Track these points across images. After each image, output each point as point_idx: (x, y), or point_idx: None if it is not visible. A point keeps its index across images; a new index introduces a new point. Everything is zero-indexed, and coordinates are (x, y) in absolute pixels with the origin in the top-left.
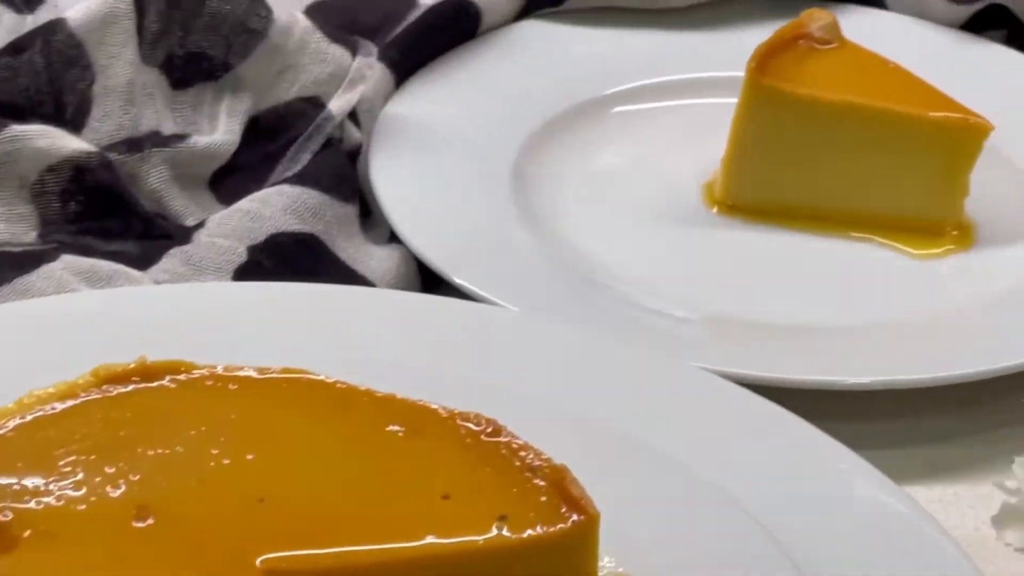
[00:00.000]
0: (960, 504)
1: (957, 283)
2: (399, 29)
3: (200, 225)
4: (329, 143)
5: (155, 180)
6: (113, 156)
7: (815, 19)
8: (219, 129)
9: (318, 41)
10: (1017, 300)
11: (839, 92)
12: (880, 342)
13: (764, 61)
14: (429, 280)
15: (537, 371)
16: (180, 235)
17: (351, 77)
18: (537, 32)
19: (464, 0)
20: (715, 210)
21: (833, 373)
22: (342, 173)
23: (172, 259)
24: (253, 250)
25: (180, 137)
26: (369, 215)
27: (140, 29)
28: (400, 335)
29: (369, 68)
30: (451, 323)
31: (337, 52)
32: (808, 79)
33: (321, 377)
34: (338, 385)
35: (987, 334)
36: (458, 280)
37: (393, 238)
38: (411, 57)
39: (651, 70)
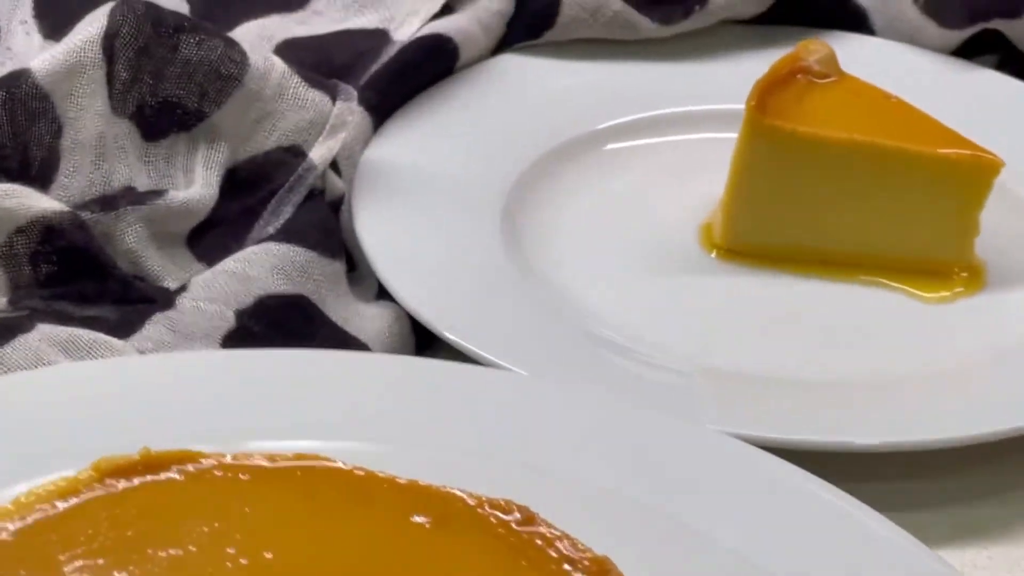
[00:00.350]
0: (996, 568)
1: (971, 329)
2: (375, 68)
3: (183, 288)
4: (311, 194)
5: (131, 240)
6: (86, 215)
7: (812, 51)
8: (196, 182)
9: (296, 86)
10: None
11: (843, 130)
12: (894, 397)
13: (763, 98)
14: (424, 335)
15: (554, 442)
16: (161, 299)
17: (332, 123)
18: (517, 67)
19: (441, 36)
20: (714, 254)
21: (843, 433)
22: (327, 227)
23: (155, 326)
24: (241, 315)
25: (156, 193)
26: (355, 268)
27: (110, 78)
28: (406, 406)
29: (350, 113)
30: (458, 390)
31: (316, 97)
32: (810, 116)
33: (338, 464)
34: (356, 472)
35: (1006, 387)
36: (455, 339)
37: (382, 292)
38: (389, 98)
39: (641, 104)
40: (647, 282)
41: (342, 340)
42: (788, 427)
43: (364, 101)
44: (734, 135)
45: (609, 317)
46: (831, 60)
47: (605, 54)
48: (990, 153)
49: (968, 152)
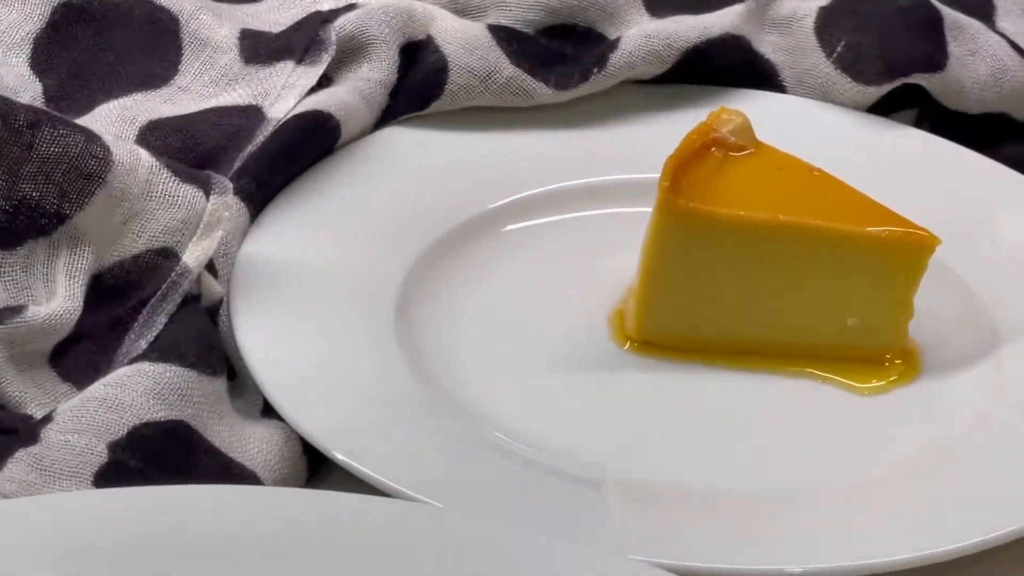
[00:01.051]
0: None
1: (909, 423)
2: (250, 151)
3: (47, 418)
4: (186, 301)
5: None
6: None
7: (725, 121)
8: (58, 294)
9: (166, 182)
10: (977, 447)
11: (765, 209)
12: (830, 511)
13: (677, 177)
14: (317, 456)
15: None
16: (24, 431)
17: (206, 221)
18: (403, 141)
19: (321, 113)
20: (627, 347)
21: (776, 559)
22: (206, 340)
23: (18, 464)
24: (115, 447)
25: (14, 310)
26: (234, 377)
27: None
28: (307, 551)
29: (226, 209)
30: (352, 526)
31: (188, 193)
32: (728, 195)
33: None
34: None
35: (954, 494)
36: (351, 462)
37: (267, 407)
38: (267, 186)
39: (540, 178)
40: (555, 381)
41: (227, 469)
42: (714, 553)
43: (240, 191)
44: (643, 208)
45: (518, 426)
46: (746, 130)
47: (499, 124)
48: (923, 230)
49: (900, 230)
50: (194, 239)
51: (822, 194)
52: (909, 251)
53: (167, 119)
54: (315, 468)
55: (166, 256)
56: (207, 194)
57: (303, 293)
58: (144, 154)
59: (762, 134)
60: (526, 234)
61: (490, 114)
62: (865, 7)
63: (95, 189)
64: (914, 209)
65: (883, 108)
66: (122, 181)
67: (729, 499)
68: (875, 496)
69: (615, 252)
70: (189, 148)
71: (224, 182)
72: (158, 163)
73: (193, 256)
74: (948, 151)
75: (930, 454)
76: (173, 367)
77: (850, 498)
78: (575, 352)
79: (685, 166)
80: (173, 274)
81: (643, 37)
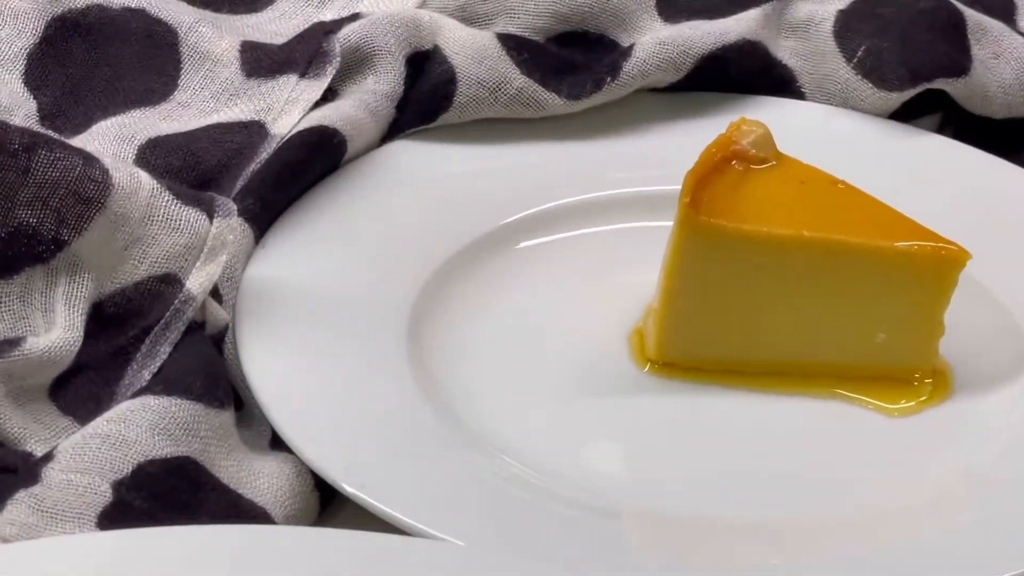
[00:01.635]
0: None
1: (943, 446)
2: (254, 169)
3: (48, 456)
4: (190, 329)
5: None
6: None
7: (745, 132)
8: (57, 324)
9: (167, 205)
10: (1011, 473)
11: (789, 224)
12: (859, 539)
13: (697, 193)
14: (329, 491)
15: None
16: (24, 470)
17: (210, 245)
18: (411, 156)
19: (327, 129)
20: (647, 369)
21: None
22: (212, 370)
23: (18, 506)
24: (119, 487)
25: (11, 343)
26: (242, 407)
27: None
28: None
29: (230, 231)
30: (379, 570)
31: (191, 216)
32: (751, 210)
33: None
34: None
35: (985, 524)
36: (364, 497)
37: (276, 438)
38: (272, 205)
39: (554, 192)
40: (572, 407)
41: (236, 506)
42: None
43: (244, 211)
44: (663, 223)
45: (532, 454)
46: (767, 141)
47: (510, 135)
48: (953, 244)
49: (930, 244)
50: (198, 264)
51: (847, 208)
52: (939, 267)
53: (167, 136)
54: (327, 502)
55: (169, 282)
56: (210, 217)
57: (311, 317)
58: (144, 176)
59: (780, 142)
60: (541, 251)
61: (500, 126)
62: (885, 10)
63: (94, 214)
64: (941, 221)
65: (904, 113)
66: (122, 205)
67: (755, 528)
68: (906, 523)
69: (633, 268)
70: (190, 167)
71: (228, 204)
72: (159, 186)
73: (197, 282)
74: (974, 158)
75: (962, 479)
76: (178, 400)
77: (880, 526)
78: (593, 375)
79: (705, 180)
80: (176, 301)
81: (657, 44)
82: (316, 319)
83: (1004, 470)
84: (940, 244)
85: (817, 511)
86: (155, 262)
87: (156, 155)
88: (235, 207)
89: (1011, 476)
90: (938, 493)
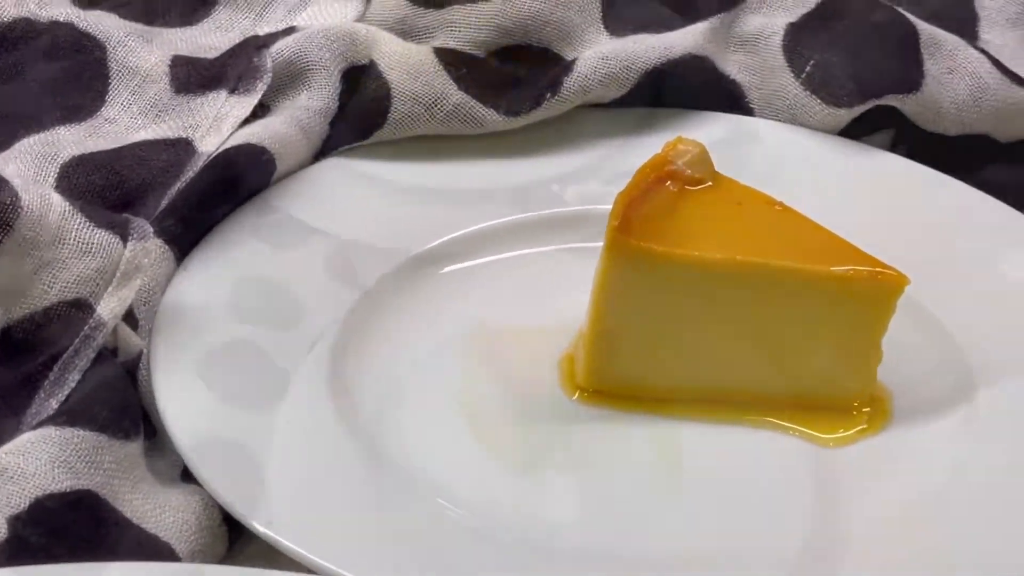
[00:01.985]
0: None
1: (877, 477)
2: (177, 189)
3: None
4: (101, 356)
5: None
6: None
7: (681, 152)
8: None
9: (79, 228)
10: (952, 501)
11: (723, 248)
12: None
13: (628, 215)
14: (238, 526)
15: None
16: None
17: (123, 270)
18: (343, 173)
19: (255, 147)
20: (576, 397)
21: None
22: (120, 400)
23: None
24: (15, 522)
25: None
26: (154, 435)
27: None
28: None
29: (145, 255)
30: None
31: (104, 239)
32: (683, 233)
33: None
34: None
35: (924, 555)
36: (271, 535)
37: (188, 471)
38: (195, 225)
39: (487, 211)
40: (499, 437)
41: (139, 542)
42: None
43: (164, 232)
44: (596, 244)
45: (456, 488)
46: (704, 161)
47: (447, 153)
48: (891, 269)
49: (867, 269)
50: (110, 289)
51: (784, 231)
52: (876, 292)
53: (91, 155)
54: (235, 538)
55: (80, 308)
56: (124, 240)
57: (230, 345)
58: (56, 198)
59: (726, 160)
60: (466, 277)
61: (438, 142)
62: (836, 24)
63: (1, 238)
64: (886, 242)
65: (857, 130)
66: (31, 228)
67: (686, 562)
68: (840, 556)
69: (566, 292)
70: (113, 186)
71: (144, 226)
72: (71, 208)
73: (108, 308)
74: (924, 177)
75: (901, 509)
76: (81, 431)
77: (814, 559)
78: (522, 404)
79: (637, 202)
80: (87, 327)
81: (600, 59)
82: (235, 347)
83: (945, 498)
84: (877, 269)
85: (748, 542)
86: (66, 287)
87: (79, 173)
88: (151, 229)
89: (953, 503)
90: (875, 523)
